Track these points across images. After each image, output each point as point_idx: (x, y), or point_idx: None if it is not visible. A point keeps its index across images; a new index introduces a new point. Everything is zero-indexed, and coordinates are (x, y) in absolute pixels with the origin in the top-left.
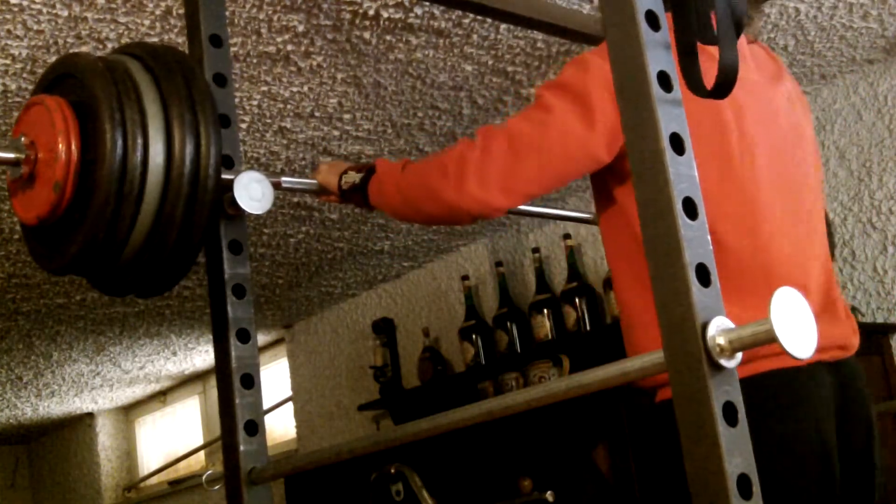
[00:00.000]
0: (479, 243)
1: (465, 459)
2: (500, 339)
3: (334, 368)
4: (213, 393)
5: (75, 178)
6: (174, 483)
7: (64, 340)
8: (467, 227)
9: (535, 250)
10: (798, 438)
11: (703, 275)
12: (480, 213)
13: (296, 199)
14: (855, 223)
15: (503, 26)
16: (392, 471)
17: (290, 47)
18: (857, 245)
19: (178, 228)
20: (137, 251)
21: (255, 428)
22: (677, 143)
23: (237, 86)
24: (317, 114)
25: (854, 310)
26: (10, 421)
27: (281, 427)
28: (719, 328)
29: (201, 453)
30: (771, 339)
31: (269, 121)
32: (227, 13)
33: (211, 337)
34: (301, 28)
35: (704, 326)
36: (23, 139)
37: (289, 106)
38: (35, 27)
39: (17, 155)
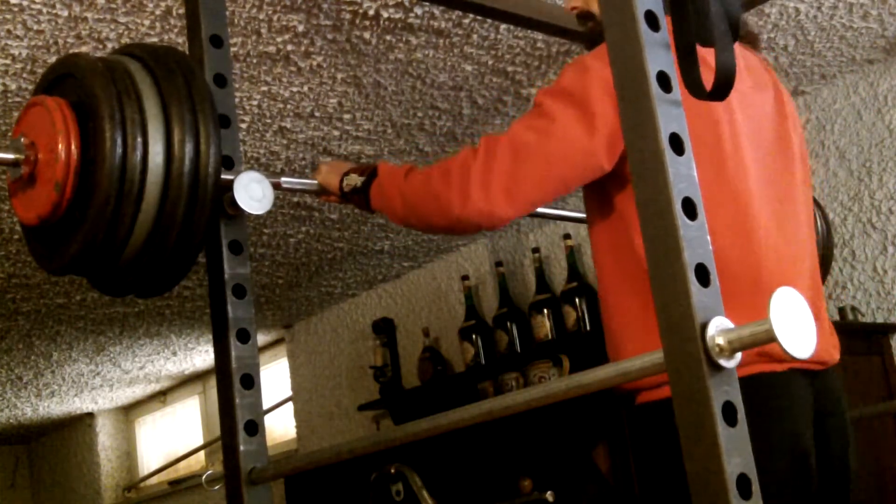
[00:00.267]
0: (479, 243)
1: (465, 459)
2: (500, 339)
3: (334, 368)
4: (213, 393)
5: (75, 179)
6: (174, 483)
7: (64, 340)
8: None
9: (535, 250)
10: (775, 442)
11: (703, 275)
12: (486, 223)
13: (296, 199)
14: (855, 223)
15: (503, 26)
16: (392, 471)
17: (290, 47)
18: (857, 245)
19: (178, 228)
20: (137, 251)
21: (255, 428)
22: (677, 144)
23: (237, 86)
24: (317, 114)
25: (854, 310)
26: (10, 421)
27: (281, 427)
28: (719, 328)
29: (201, 453)
30: (770, 339)
31: (269, 121)
32: (227, 13)
33: (211, 337)
34: (301, 28)
35: (704, 326)
36: (23, 139)
37: (289, 106)
38: (35, 27)
39: (18, 155)
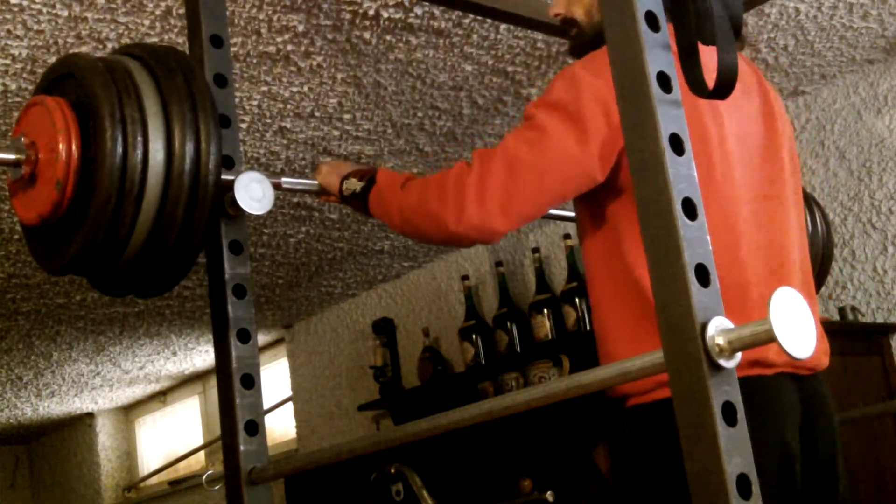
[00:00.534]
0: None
1: (465, 459)
2: (500, 339)
3: (334, 368)
4: (213, 393)
5: (76, 178)
6: (174, 483)
7: (64, 340)
8: None
9: (535, 250)
10: (761, 445)
11: (703, 275)
12: (481, 238)
13: (296, 199)
14: (855, 223)
15: (503, 26)
16: (392, 471)
17: (290, 47)
18: (857, 245)
19: (178, 228)
20: (138, 251)
21: (255, 428)
22: (677, 144)
23: (237, 86)
24: (317, 114)
25: (854, 310)
26: (10, 421)
27: (281, 427)
28: (718, 328)
29: (201, 453)
30: (770, 339)
31: (269, 121)
32: (227, 13)
33: (211, 337)
34: (301, 28)
35: (704, 326)
36: (23, 139)
37: (289, 106)
38: (35, 27)
39: (18, 155)
